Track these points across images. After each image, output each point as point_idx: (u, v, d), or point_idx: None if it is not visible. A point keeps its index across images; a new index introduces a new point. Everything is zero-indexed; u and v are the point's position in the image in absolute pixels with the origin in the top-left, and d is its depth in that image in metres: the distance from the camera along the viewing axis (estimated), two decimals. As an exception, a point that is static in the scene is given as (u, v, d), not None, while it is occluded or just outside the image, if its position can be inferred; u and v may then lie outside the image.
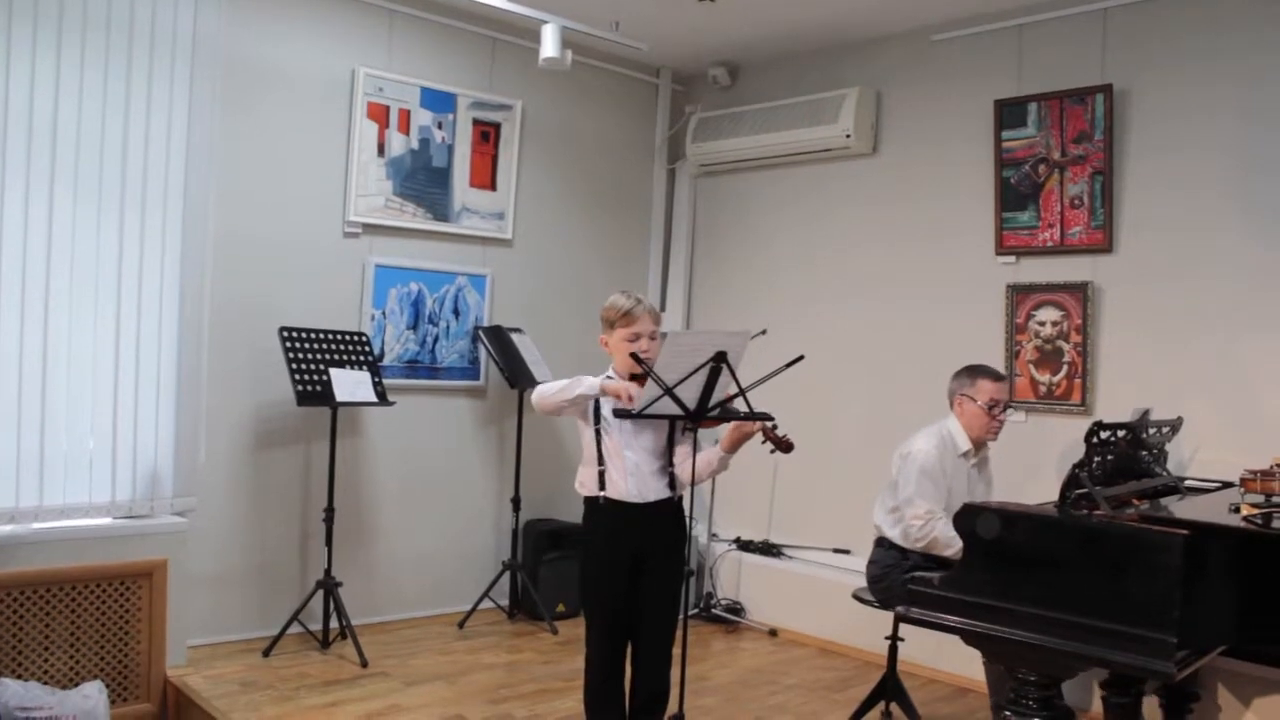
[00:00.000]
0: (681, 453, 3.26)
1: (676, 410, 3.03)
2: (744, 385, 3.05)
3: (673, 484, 3.26)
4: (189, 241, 4.45)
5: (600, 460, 3.22)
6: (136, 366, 4.32)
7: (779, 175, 5.83)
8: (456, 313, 5.45)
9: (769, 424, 3.13)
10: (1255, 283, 4.14)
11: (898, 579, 3.79)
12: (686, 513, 3.35)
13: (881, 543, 4.01)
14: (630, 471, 3.20)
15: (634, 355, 3.09)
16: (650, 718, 3.29)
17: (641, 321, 3.19)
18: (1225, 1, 4.26)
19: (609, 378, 3.23)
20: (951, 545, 3.64)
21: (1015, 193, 4.78)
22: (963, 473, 3.96)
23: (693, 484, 3.20)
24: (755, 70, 6.01)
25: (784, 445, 3.14)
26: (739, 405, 3.09)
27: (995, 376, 3.99)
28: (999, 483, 4.21)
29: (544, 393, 3.20)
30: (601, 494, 3.23)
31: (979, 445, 4.00)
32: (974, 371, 4.01)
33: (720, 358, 2.97)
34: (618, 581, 3.23)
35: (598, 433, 3.22)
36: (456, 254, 5.44)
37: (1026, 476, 4.40)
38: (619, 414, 3.10)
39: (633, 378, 3.16)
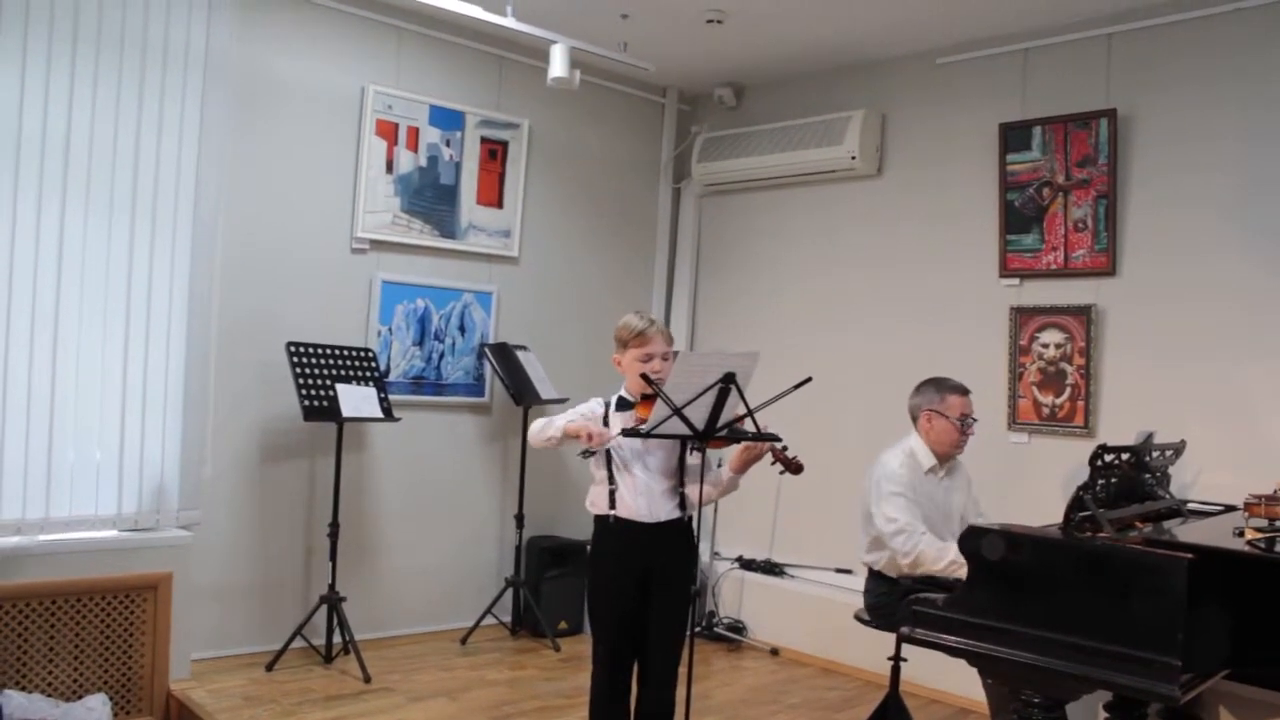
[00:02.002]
0: (692, 473, 3.27)
1: (685, 430, 3.04)
2: (752, 406, 3.07)
3: (683, 504, 3.27)
4: (198, 256, 4.47)
5: (611, 479, 3.24)
6: (144, 380, 4.33)
7: (784, 196, 5.86)
8: (462, 329, 5.47)
9: (779, 445, 3.14)
10: (1259, 306, 4.17)
11: (892, 604, 3.78)
12: (695, 533, 3.36)
13: (873, 573, 4.00)
14: (641, 491, 3.21)
15: (644, 376, 3.11)
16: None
17: (654, 342, 3.22)
18: (1228, 26, 4.30)
19: (618, 398, 3.28)
20: (942, 558, 3.62)
21: (1019, 216, 4.81)
22: (931, 488, 3.93)
23: (700, 505, 3.21)
24: (761, 91, 6.05)
25: (794, 467, 3.16)
26: (747, 426, 3.10)
27: (963, 390, 3.94)
28: (1000, 502, 4.21)
29: (532, 433, 3.30)
30: (612, 513, 3.24)
31: (944, 459, 3.96)
32: (940, 386, 3.95)
33: (729, 379, 2.98)
34: (626, 600, 3.23)
35: (609, 452, 3.23)
36: (463, 271, 5.47)
37: (1029, 498, 4.41)
38: (628, 433, 3.12)
39: (643, 397, 3.18)
